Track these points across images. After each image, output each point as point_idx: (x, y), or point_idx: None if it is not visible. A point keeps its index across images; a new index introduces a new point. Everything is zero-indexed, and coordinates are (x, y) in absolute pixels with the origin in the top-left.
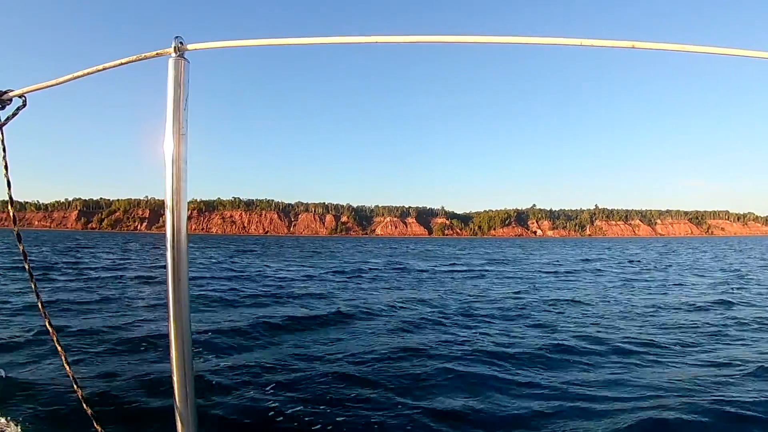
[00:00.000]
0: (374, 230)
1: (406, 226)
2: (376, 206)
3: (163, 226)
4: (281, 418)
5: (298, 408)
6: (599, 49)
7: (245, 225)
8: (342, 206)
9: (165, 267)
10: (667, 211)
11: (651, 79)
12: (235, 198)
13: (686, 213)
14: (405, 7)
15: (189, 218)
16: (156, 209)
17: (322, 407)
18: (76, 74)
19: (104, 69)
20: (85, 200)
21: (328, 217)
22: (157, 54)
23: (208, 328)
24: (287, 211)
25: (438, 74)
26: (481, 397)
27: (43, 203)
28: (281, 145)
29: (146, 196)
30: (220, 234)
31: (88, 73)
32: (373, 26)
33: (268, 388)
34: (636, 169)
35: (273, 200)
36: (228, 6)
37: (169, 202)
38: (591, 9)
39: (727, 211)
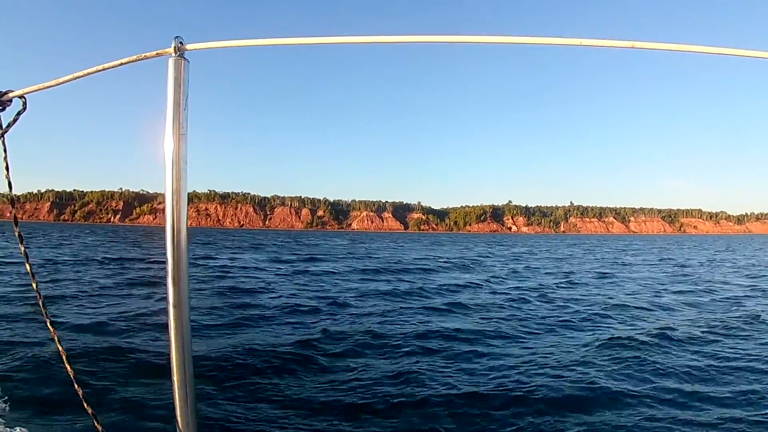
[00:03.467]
0: (350, 225)
1: (383, 221)
2: (353, 200)
3: (137, 218)
4: (280, 417)
5: (294, 408)
6: (593, 49)
7: (220, 218)
8: (318, 200)
9: (165, 268)
10: (641, 209)
11: (629, 80)
12: (210, 191)
13: (660, 211)
14: (405, 7)
15: (163, 211)
16: (130, 201)
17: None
18: (76, 74)
19: (104, 69)
20: (58, 192)
21: (304, 211)
22: (157, 54)
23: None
24: (263, 205)
25: (418, 71)
26: None
27: (15, 194)
28: (259, 139)
29: (120, 188)
30: (195, 227)
31: (88, 74)
32: (371, 26)
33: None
34: (612, 167)
35: (249, 193)
36: (228, 6)
37: (169, 202)
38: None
39: (700, 210)
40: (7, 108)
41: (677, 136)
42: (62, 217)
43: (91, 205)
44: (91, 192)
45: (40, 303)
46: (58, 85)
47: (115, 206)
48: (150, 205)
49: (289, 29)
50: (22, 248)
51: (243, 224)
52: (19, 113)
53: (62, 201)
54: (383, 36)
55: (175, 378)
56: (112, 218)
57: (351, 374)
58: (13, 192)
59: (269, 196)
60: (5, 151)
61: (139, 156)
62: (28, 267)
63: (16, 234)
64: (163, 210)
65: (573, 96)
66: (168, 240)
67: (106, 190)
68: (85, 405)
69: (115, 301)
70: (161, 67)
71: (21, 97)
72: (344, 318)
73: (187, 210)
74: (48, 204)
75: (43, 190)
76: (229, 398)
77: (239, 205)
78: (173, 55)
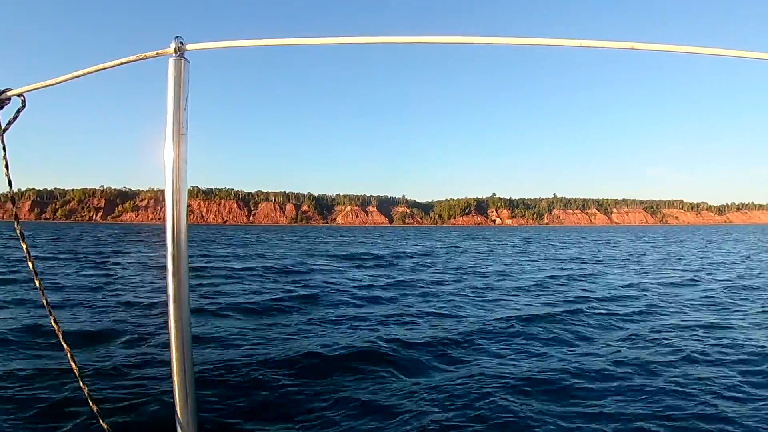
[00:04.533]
0: (335, 219)
1: (367, 215)
2: (338, 195)
3: (120, 216)
4: (282, 417)
5: (296, 406)
6: (593, 50)
7: (203, 214)
8: (303, 195)
9: (165, 268)
10: (624, 201)
11: (611, 72)
12: (193, 187)
13: (642, 202)
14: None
15: (146, 208)
16: (112, 199)
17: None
18: (75, 73)
19: (104, 68)
20: (39, 190)
21: (289, 206)
22: (157, 54)
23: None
24: (247, 201)
25: (402, 66)
26: None
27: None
28: (242, 133)
29: (102, 186)
30: None
31: (88, 73)
32: (368, 26)
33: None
34: (596, 159)
35: (233, 189)
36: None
37: (169, 202)
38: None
39: (682, 201)
40: (6, 106)
41: (661, 127)
42: (44, 215)
43: (72, 203)
44: (73, 190)
45: (44, 301)
46: (57, 83)
47: (97, 204)
48: (132, 202)
49: (284, 29)
50: (24, 246)
51: (227, 220)
52: (18, 111)
53: (43, 199)
54: (383, 36)
55: (175, 378)
56: (94, 216)
57: None
58: (13, 190)
59: (253, 192)
60: (4, 149)
61: (123, 153)
62: (30, 265)
63: (18, 232)
64: (146, 207)
65: (556, 89)
66: (168, 239)
67: (88, 187)
68: (90, 403)
69: None
70: (160, 67)
71: (20, 95)
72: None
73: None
74: (29, 203)
75: (23, 189)
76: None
77: (222, 201)
78: (173, 55)
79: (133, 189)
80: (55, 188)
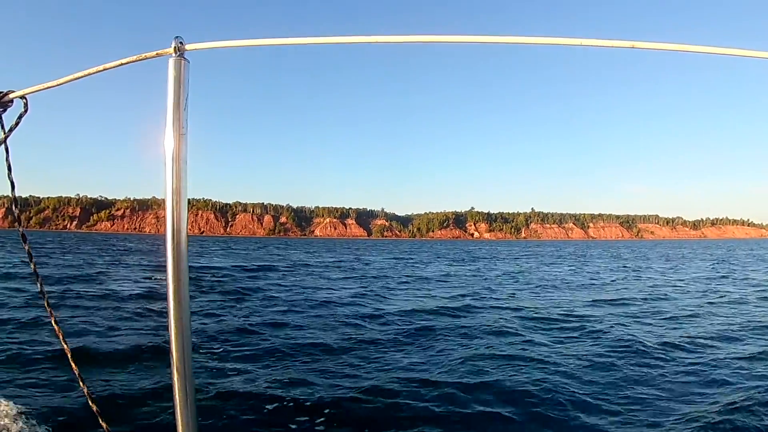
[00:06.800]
0: (313, 231)
1: (346, 228)
2: (316, 207)
3: (94, 225)
4: (281, 417)
5: (297, 406)
6: (593, 50)
7: None
8: (281, 207)
9: (165, 268)
10: (600, 215)
11: (592, 87)
12: None
13: (618, 217)
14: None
15: (122, 218)
16: (87, 208)
17: (321, 404)
18: (77, 75)
19: (105, 69)
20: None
21: (267, 218)
22: (157, 54)
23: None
24: (224, 211)
25: (383, 76)
26: None
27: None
28: (220, 144)
29: (77, 194)
30: (153, 234)
31: (89, 74)
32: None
33: (267, 387)
34: (573, 174)
35: (210, 200)
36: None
37: (169, 203)
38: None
39: (657, 216)
40: (8, 109)
41: (639, 143)
42: (16, 223)
43: (47, 212)
44: (48, 198)
45: (45, 302)
46: (58, 85)
47: (72, 212)
48: (108, 211)
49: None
50: (26, 247)
51: (204, 231)
52: (21, 115)
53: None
54: (384, 36)
55: (175, 378)
56: (69, 225)
57: None
58: (16, 193)
59: (231, 203)
60: (7, 151)
61: (98, 161)
62: (32, 266)
63: (20, 233)
64: (122, 216)
65: (535, 103)
66: (168, 241)
67: (63, 196)
68: (90, 403)
69: None
70: (161, 67)
71: (22, 97)
72: None
73: (188, 211)
74: (2, 210)
75: None
76: None
77: (200, 212)
78: (173, 55)
79: (109, 198)
80: (30, 196)
